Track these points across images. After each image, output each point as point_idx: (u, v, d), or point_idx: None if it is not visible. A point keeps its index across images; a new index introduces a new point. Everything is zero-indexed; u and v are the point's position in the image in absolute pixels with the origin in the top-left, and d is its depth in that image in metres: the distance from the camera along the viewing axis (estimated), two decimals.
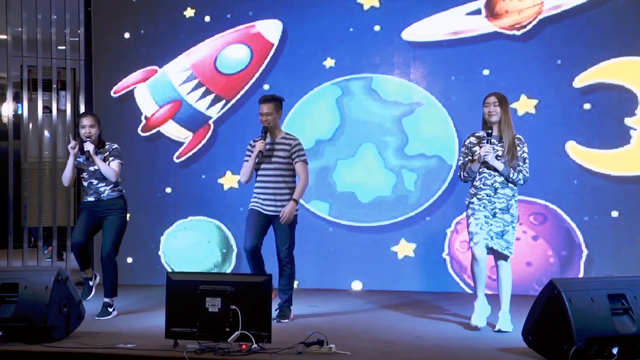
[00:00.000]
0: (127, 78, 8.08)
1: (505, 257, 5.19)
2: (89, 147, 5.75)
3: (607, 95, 6.78)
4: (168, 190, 7.94)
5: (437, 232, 7.21)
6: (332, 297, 6.93)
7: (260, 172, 5.68)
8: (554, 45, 6.94)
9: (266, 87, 7.67)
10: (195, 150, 7.89)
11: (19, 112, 8.81)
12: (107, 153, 5.87)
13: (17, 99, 8.88)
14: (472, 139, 5.31)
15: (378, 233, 7.39)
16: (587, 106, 6.83)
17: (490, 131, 5.17)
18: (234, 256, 7.75)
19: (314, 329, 4.65)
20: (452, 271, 7.17)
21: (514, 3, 7.07)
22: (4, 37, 8.31)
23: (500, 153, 5.15)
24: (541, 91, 6.97)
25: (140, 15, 8.11)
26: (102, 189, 5.85)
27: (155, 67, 8.00)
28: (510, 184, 5.17)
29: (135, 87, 8.06)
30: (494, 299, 5.30)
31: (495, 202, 5.14)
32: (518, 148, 5.17)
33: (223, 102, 7.82)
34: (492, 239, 5.13)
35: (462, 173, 5.30)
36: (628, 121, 6.72)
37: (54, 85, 8.34)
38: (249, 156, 5.67)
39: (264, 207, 5.63)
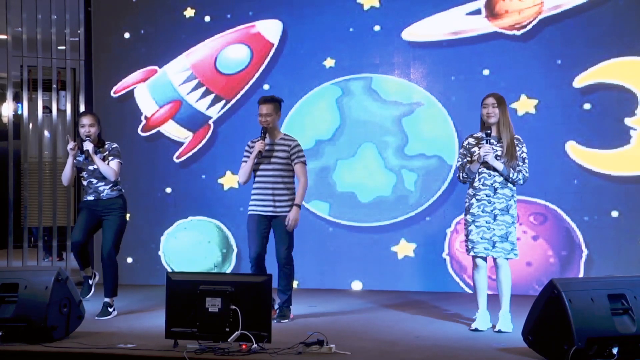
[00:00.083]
0: (127, 78, 8.08)
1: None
2: (88, 146, 5.75)
3: (607, 95, 6.77)
4: (168, 190, 7.94)
5: (437, 232, 7.21)
6: (332, 297, 6.93)
7: (259, 173, 5.68)
8: (554, 45, 6.94)
9: (266, 87, 7.67)
10: (195, 150, 7.89)
11: (19, 112, 8.81)
12: (107, 152, 5.86)
13: (17, 99, 8.88)
14: (471, 140, 5.30)
15: (378, 233, 7.38)
16: (587, 106, 6.83)
17: (489, 131, 5.16)
18: (234, 256, 7.74)
19: (314, 329, 4.65)
20: (452, 271, 7.17)
21: (514, 3, 7.06)
22: (4, 37, 8.30)
23: (499, 153, 5.14)
24: (541, 91, 6.96)
25: (140, 15, 8.11)
26: (101, 188, 5.85)
27: (155, 67, 8.00)
28: (509, 185, 5.16)
29: (135, 87, 8.05)
30: (494, 299, 5.29)
31: (494, 203, 5.14)
32: (517, 148, 5.16)
33: (223, 102, 7.82)
34: (494, 245, 5.12)
35: (461, 174, 5.29)
36: (628, 121, 6.71)
37: (54, 85, 8.33)
38: (247, 157, 5.66)
39: (263, 208, 5.63)
